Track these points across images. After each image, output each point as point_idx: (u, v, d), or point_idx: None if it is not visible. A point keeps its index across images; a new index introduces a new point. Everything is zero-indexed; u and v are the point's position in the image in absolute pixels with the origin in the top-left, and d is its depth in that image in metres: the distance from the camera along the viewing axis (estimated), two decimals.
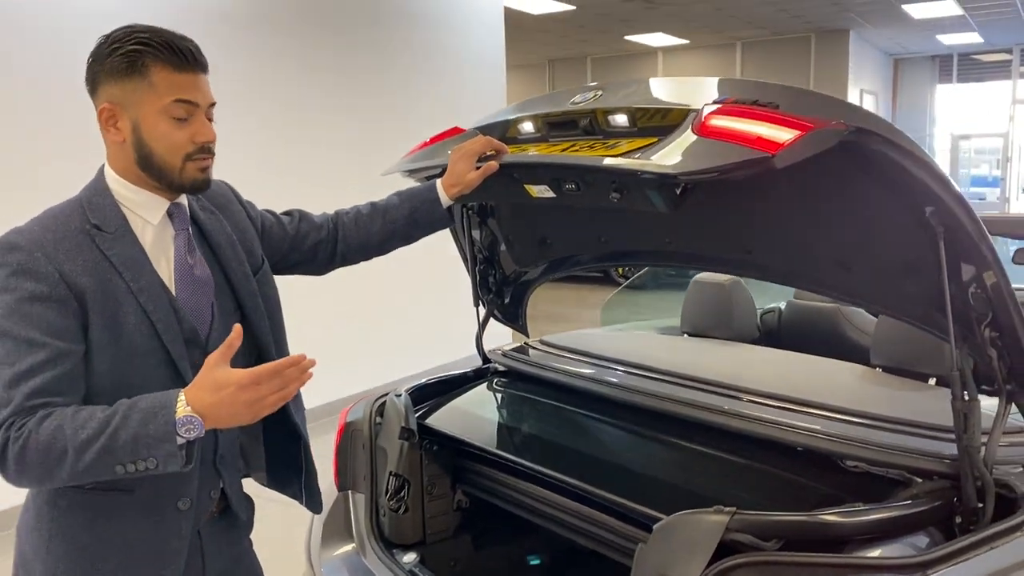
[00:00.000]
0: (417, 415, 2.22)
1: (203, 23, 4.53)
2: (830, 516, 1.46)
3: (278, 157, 5.08)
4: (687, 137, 1.48)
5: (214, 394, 1.27)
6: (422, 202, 1.88)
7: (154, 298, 1.43)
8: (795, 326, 3.16)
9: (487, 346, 2.60)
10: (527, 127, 1.93)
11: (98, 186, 1.48)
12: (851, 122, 1.44)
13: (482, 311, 2.57)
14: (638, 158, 1.51)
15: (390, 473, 2.13)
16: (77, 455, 1.25)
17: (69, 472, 1.27)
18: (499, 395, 2.42)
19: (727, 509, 1.44)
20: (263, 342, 1.63)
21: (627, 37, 12.62)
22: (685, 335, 2.77)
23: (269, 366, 1.29)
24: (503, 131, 1.98)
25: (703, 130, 1.46)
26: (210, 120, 1.47)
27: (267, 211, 1.81)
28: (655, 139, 1.56)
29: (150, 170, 1.45)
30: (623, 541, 1.73)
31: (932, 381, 2.08)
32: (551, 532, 1.99)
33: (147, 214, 1.48)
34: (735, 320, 2.64)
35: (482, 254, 2.54)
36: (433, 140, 2.08)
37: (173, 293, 1.48)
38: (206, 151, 1.47)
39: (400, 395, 2.22)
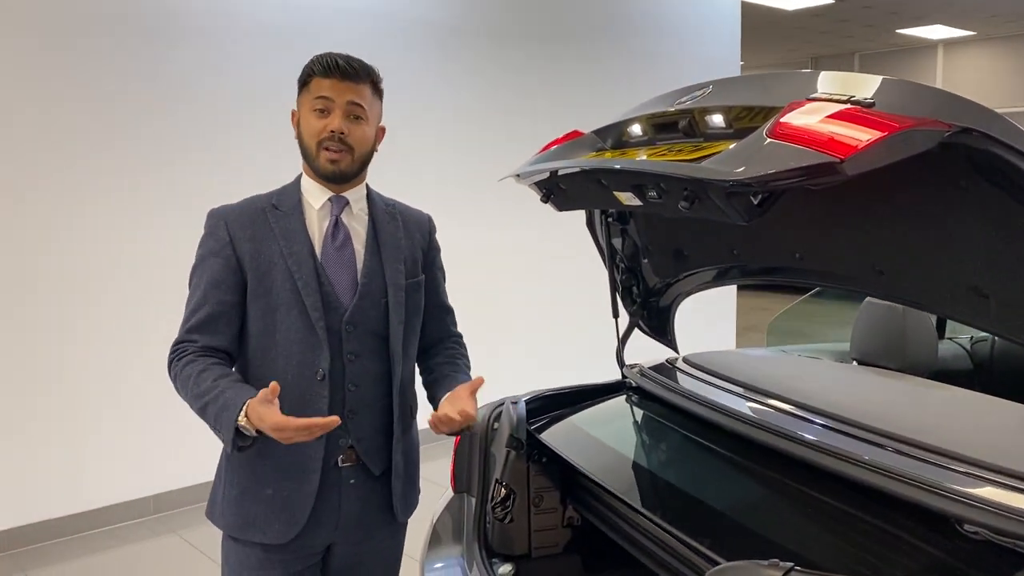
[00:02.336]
0: (535, 425, 2.17)
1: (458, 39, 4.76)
2: None
3: (497, 162, 5.24)
4: (759, 139, 1.32)
5: (257, 420, 1.60)
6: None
7: (300, 262, 1.77)
8: (1012, 356, 2.71)
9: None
10: (635, 130, 1.82)
11: (295, 179, 1.87)
12: (959, 121, 1.21)
13: (623, 323, 2.47)
14: (702, 164, 1.37)
15: (496, 480, 2.11)
16: (188, 400, 1.71)
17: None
18: (623, 414, 2.30)
19: (783, 564, 1.26)
20: (393, 339, 1.82)
21: (899, 31, 11.56)
22: (854, 362, 2.47)
23: (298, 423, 1.57)
24: (618, 134, 1.89)
25: (775, 131, 1.30)
26: (356, 118, 1.77)
27: (439, 275, 2.00)
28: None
29: (305, 156, 1.81)
30: None
31: None
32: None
33: (313, 200, 1.83)
34: (909, 349, 2.30)
35: (624, 263, 2.44)
36: (551, 145, 2.03)
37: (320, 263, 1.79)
38: (337, 142, 1.76)
39: (516, 402, 2.19)
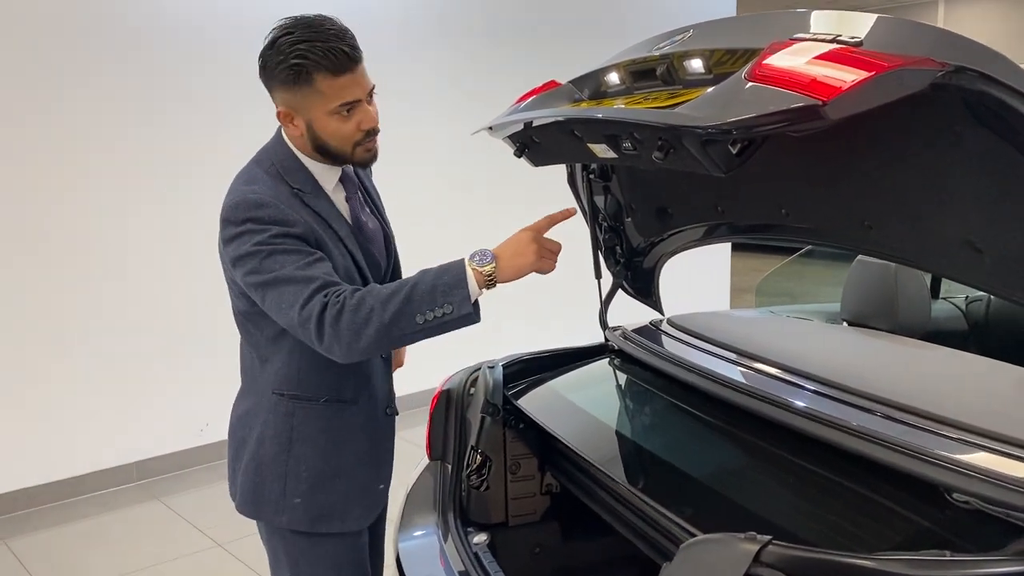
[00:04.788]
0: (514, 390, 2.09)
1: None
2: (892, 561, 1.14)
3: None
4: (738, 83, 1.22)
5: (511, 241, 1.60)
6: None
7: (352, 243, 1.73)
8: (1008, 316, 2.62)
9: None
10: (613, 78, 1.72)
11: (286, 155, 1.71)
12: (954, 60, 1.11)
13: (605, 285, 2.38)
14: (676, 110, 1.27)
15: (471, 447, 2.04)
16: (383, 309, 1.50)
17: (376, 328, 1.50)
18: (604, 378, 2.22)
19: (760, 537, 1.19)
20: None
21: None
22: (844, 323, 2.39)
23: (548, 216, 1.63)
24: (596, 84, 1.79)
25: (755, 73, 1.20)
26: (369, 101, 1.66)
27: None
28: None
29: (326, 154, 1.69)
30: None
31: None
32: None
33: (324, 182, 1.73)
34: (901, 309, 2.22)
35: (606, 222, 2.34)
36: (526, 96, 1.92)
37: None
38: (372, 133, 1.67)
39: (493, 367, 2.11)
